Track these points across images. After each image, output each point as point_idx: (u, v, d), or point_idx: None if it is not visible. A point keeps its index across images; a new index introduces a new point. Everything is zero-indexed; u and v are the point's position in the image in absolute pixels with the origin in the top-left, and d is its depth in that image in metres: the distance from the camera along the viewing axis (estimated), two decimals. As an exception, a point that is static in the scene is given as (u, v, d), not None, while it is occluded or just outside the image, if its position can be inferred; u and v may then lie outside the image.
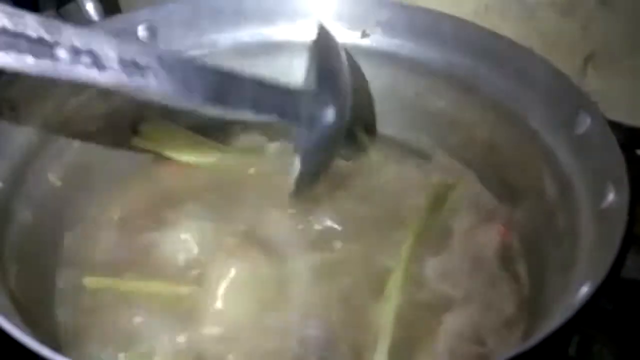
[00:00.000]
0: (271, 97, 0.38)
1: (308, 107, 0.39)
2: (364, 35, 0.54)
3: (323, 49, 0.44)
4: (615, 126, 0.39)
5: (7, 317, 0.26)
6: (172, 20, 0.51)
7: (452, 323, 0.40)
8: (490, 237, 0.45)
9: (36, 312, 0.36)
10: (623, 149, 0.36)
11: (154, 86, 0.33)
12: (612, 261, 0.29)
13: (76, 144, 0.46)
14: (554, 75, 0.44)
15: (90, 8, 0.49)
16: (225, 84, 0.37)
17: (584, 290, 0.30)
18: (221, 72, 0.37)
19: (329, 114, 0.39)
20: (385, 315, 0.39)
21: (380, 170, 0.52)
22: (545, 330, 0.27)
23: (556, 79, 0.44)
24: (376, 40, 0.54)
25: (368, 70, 0.55)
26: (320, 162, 0.42)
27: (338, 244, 0.45)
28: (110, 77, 0.32)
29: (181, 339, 0.38)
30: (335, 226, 0.46)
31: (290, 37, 0.55)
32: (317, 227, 0.46)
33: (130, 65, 0.32)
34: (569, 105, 0.42)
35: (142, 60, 0.33)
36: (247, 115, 0.38)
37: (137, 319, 0.39)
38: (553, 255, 0.40)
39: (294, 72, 0.57)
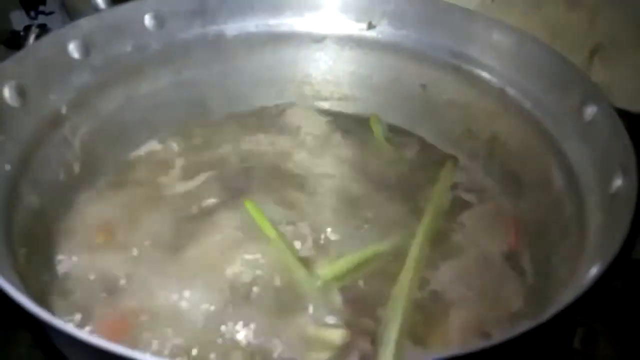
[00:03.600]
0: None
1: None
2: (370, 26, 0.55)
3: None
4: (622, 113, 0.38)
5: (19, 290, 0.26)
6: (179, 9, 0.51)
7: (460, 317, 0.40)
8: (500, 244, 0.45)
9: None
10: (630, 134, 0.36)
11: None
12: (622, 240, 0.29)
13: (83, 128, 0.46)
14: (560, 63, 0.44)
15: (99, -4, 0.49)
16: None
17: (594, 271, 0.29)
18: None
19: None
20: (395, 310, 0.39)
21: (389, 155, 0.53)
22: (555, 307, 0.27)
23: (562, 67, 0.44)
24: (382, 31, 0.54)
25: (374, 61, 0.56)
26: None
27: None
28: None
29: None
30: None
31: (297, 29, 0.55)
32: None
33: None
34: (576, 94, 0.42)
35: None
36: None
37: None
38: (559, 244, 0.40)
39: (300, 63, 0.58)
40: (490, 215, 0.47)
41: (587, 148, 0.40)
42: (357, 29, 0.55)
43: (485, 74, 0.50)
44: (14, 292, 0.26)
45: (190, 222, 0.44)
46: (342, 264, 0.42)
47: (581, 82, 0.42)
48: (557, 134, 0.44)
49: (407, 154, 0.54)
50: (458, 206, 0.48)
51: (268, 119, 0.57)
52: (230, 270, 0.40)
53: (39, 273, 0.38)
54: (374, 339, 0.38)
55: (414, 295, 0.40)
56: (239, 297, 0.39)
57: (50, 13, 0.77)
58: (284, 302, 0.39)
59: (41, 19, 0.76)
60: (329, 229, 0.44)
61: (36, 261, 0.38)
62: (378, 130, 0.55)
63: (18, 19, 0.70)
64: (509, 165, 0.49)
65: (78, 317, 0.38)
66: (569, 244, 0.39)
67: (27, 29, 0.64)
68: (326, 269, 0.41)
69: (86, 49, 0.46)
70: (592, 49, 0.56)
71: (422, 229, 0.44)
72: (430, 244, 0.44)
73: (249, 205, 0.44)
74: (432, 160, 0.53)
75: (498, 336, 0.25)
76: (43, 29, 0.64)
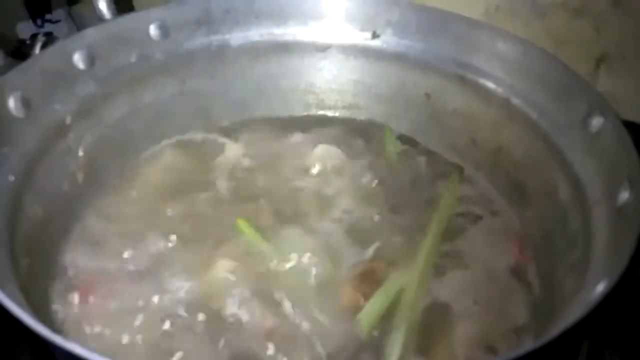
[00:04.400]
0: None
1: None
2: (375, 36, 0.54)
3: None
4: (628, 125, 0.38)
5: (21, 307, 0.26)
6: (184, 19, 0.51)
7: (465, 331, 0.39)
8: (505, 258, 0.44)
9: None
10: (637, 147, 0.36)
11: None
12: (629, 257, 0.28)
13: (88, 138, 0.46)
14: (566, 75, 0.43)
15: (103, 7, 0.49)
16: None
17: (600, 288, 0.29)
18: None
19: None
20: (398, 322, 0.39)
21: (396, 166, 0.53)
22: (561, 325, 0.26)
23: (568, 77, 0.43)
24: (386, 41, 0.54)
25: (378, 71, 0.56)
26: None
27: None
28: None
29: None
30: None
31: (301, 38, 0.55)
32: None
33: None
34: (582, 105, 0.41)
35: None
36: None
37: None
38: (565, 257, 0.40)
39: (304, 72, 0.58)
40: (495, 228, 0.47)
41: (593, 160, 0.40)
42: (362, 38, 0.55)
43: (490, 84, 0.50)
44: (14, 308, 0.25)
45: (195, 242, 0.44)
46: (378, 305, 0.40)
47: (587, 93, 0.42)
48: (563, 145, 0.43)
49: (412, 164, 0.53)
50: (463, 218, 0.47)
51: (274, 127, 0.57)
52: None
53: (41, 283, 0.38)
54: (379, 350, 0.37)
55: (419, 307, 0.40)
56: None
57: (57, 21, 0.77)
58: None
59: (48, 27, 0.76)
60: (337, 245, 0.44)
61: (39, 271, 0.38)
62: (390, 142, 0.55)
63: (25, 29, 0.71)
64: (515, 176, 0.49)
65: (80, 325, 0.38)
66: (575, 256, 0.38)
67: (34, 37, 0.65)
68: (366, 314, 0.39)
69: (91, 60, 0.46)
70: (598, 58, 0.55)
71: (427, 241, 0.44)
72: (436, 256, 0.43)
73: (242, 224, 0.44)
74: (438, 170, 0.52)
75: (504, 354, 0.25)
76: (49, 37, 0.65)
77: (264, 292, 0.40)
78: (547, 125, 0.45)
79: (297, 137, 0.55)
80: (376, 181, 0.51)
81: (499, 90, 0.49)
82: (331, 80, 0.58)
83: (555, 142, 0.44)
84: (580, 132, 0.41)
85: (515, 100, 0.48)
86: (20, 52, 0.63)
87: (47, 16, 0.77)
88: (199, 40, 0.52)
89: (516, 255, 0.45)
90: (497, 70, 0.49)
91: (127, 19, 0.49)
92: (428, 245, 0.44)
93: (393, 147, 0.54)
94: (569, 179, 0.42)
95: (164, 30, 0.50)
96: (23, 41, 0.67)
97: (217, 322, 0.39)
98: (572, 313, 0.29)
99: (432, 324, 0.40)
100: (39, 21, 0.76)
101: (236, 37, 0.54)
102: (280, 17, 0.54)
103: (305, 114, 0.58)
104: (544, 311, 0.40)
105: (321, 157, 0.53)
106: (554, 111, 0.44)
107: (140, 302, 0.39)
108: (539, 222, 0.45)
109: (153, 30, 0.50)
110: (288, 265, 0.42)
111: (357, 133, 0.56)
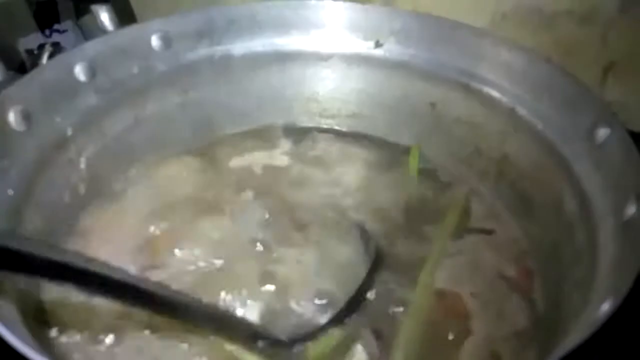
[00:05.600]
0: None
1: None
2: (378, 45, 0.54)
3: None
4: (635, 136, 0.37)
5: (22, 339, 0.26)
6: (186, 29, 0.51)
7: (469, 343, 0.39)
8: (510, 270, 0.44)
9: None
10: (645, 159, 0.35)
11: None
12: (635, 275, 0.27)
13: (89, 150, 0.46)
14: (572, 85, 0.43)
15: (105, 19, 0.50)
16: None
17: (606, 306, 0.28)
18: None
19: None
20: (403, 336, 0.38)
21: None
22: (564, 348, 0.26)
23: (574, 88, 0.42)
24: (389, 49, 0.54)
25: (381, 79, 0.55)
26: None
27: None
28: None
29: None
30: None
31: (303, 48, 0.55)
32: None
33: None
34: (588, 116, 0.41)
35: None
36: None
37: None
38: (571, 271, 0.39)
39: (307, 81, 0.57)
40: (500, 240, 0.46)
41: (599, 172, 0.39)
42: (365, 47, 0.54)
43: (495, 93, 0.49)
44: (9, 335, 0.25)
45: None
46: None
47: (593, 103, 0.41)
48: (568, 156, 0.42)
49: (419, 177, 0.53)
50: (468, 230, 0.47)
51: (274, 137, 0.57)
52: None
53: (41, 297, 0.38)
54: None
55: (424, 321, 0.40)
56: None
57: (64, 31, 0.78)
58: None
59: (55, 37, 0.77)
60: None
61: (38, 285, 0.38)
62: (414, 163, 0.53)
63: (33, 39, 0.71)
64: (520, 187, 0.48)
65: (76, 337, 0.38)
66: (580, 270, 0.37)
67: (41, 47, 0.65)
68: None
69: (92, 71, 0.46)
70: (605, 67, 0.54)
71: (431, 256, 0.44)
72: (439, 269, 0.43)
73: None
74: (443, 182, 0.52)
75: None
76: (56, 48, 0.65)
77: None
78: (552, 136, 0.44)
79: (301, 147, 0.55)
80: (382, 192, 0.50)
81: (504, 99, 0.48)
82: (334, 89, 0.57)
83: (561, 152, 0.43)
84: (586, 142, 0.41)
85: (521, 110, 0.47)
86: (23, 67, 0.63)
87: (55, 26, 0.77)
88: (202, 50, 0.52)
89: (521, 268, 0.44)
90: (502, 79, 0.48)
91: (129, 31, 0.49)
92: (432, 260, 0.43)
93: (416, 168, 0.53)
94: (575, 191, 0.41)
95: (166, 41, 0.50)
96: (30, 51, 0.67)
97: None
98: (578, 332, 0.28)
99: (435, 338, 0.39)
100: (47, 31, 0.77)
101: (239, 48, 0.54)
102: (282, 27, 0.54)
103: (308, 123, 0.58)
104: (549, 325, 0.39)
105: (326, 164, 0.53)
106: (560, 121, 0.44)
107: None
108: (544, 235, 0.44)
109: (155, 41, 0.50)
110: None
111: (361, 142, 0.56)
